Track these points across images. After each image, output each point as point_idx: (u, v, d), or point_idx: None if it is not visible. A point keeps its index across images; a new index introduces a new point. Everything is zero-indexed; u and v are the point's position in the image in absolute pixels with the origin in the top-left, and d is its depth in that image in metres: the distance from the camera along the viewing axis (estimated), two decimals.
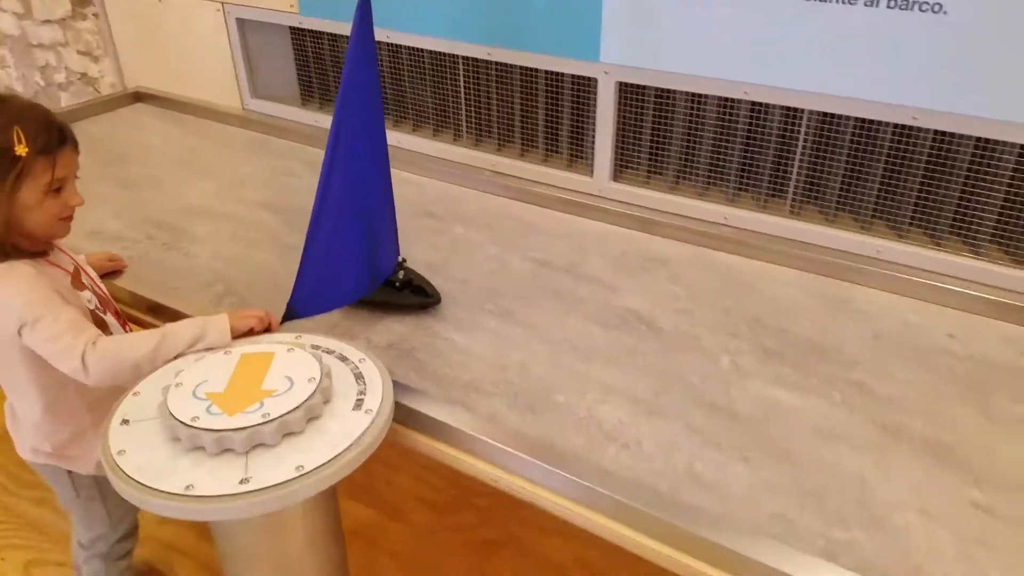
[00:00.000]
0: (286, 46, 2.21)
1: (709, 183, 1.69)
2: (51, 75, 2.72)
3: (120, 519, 1.50)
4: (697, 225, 1.63)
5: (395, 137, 1.99)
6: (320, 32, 2.09)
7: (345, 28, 1.97)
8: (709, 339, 1.34)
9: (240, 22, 2.19)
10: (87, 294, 1.28)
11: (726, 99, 1.58)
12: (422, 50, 1.91)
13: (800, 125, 1.53)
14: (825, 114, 1.49)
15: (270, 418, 1.00)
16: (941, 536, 0.98)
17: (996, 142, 1.36)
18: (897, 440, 1.13)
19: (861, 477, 1.07)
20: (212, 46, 2.26)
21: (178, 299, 1.43)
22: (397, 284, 1.41)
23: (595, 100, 1.69)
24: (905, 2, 1.31)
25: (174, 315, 1.37)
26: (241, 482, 0.95)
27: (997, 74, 1.29)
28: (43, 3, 2.59)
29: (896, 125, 1.44)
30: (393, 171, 1.36)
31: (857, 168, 1.52)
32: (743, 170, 1.64)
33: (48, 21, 2.62)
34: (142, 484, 0.96)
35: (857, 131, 1.48)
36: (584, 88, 1.73)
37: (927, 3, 1.30)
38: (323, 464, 0.98)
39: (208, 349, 1.18)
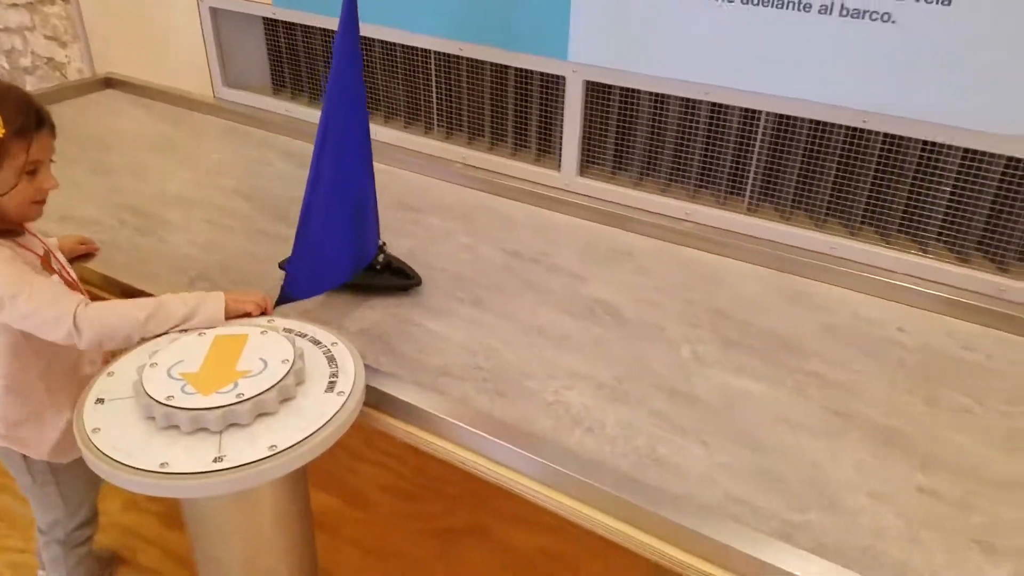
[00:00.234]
0: (259, 36, 2.17)
1: (671, 180, 1.70)
2: (16, 59, 2.63)
3: (77, 506, 1.46)
4: (661, 220, 1.64)
5: None
6: (293, 23, 2.05)
7: (317, 20, 1.96)
8: (672, 329, 1.35)
9: (213, 11, 2.14)
10: (55, 278, 1.25)
11: (688, 100, 1.59)
12: (395, 44, 1.89)
13: (758, 126, 1.54)
14: (781, 116, 1.51)
15: (244, 398, 1.00)
16: (889, 518, 1.00)
17: (941, 146, 1.39)
18: (849, 426, 1.15)
19: (815, 461, 1.08)
20: (185, 34, 2.21)
21: (151, 283, 1.40)
22: (378, 267, 1.41)
23: (563, 97, 1.69)
24: (857, 11, 1.34)
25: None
26: (215, 460, 0.95)
27: (942, 81, 1.32)
28: None
29: (848, 127, 1.46)
30: None
31: (811, 168, 1.54)
32: (704, 168, 1.65)
33: (15, 5, 2.54)
34: (117, 461, 0.95)
35: (811, 132, 1.50)
36: (553, 85, 1.73)
37: (877, 13, 1.33)
38: (295, 444, 0.98)
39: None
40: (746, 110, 1.54)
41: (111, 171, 1.89)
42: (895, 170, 1.46)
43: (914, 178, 1.45)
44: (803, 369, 1.26)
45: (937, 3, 1.28)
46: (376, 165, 1.36)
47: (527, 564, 1.82)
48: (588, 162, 1.76)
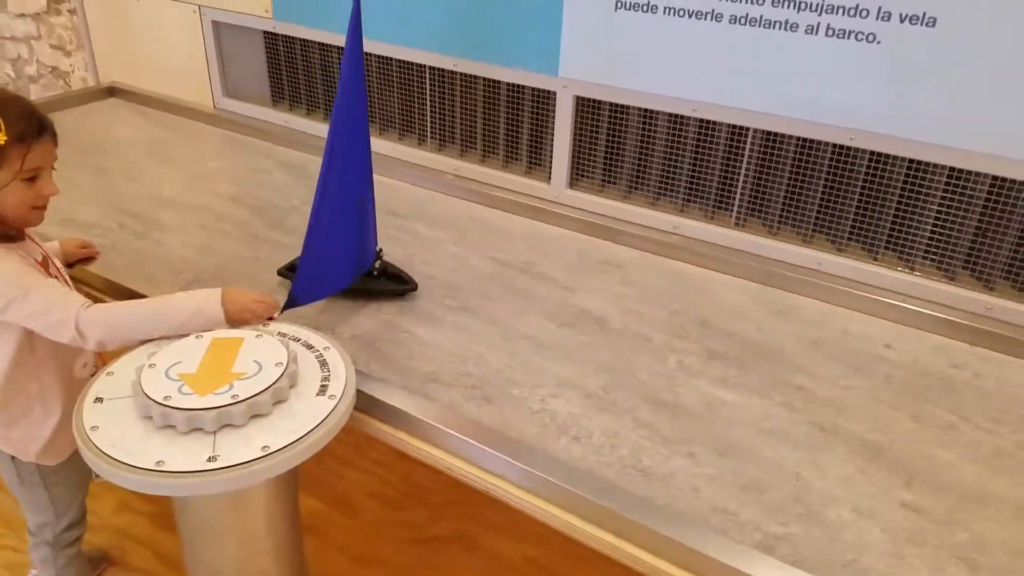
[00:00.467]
0: (259, 49, 2.15)
1: (660, 194, 1.68)
2: (22, 67, 2.62)
3: (65, 508, 1.44)
4: (649, 233, 1.62)
5: None
6: (292, 37, 2.04)
7: (316, 34, 1.95)
8: (658, 339, 1.32)
9: (215, 24, 2.13)
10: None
11: (677, 115, 1.57)
12: (391, 58, 1.87)
13: (745, 142, 1.52)
14: (769, 133, 1.49)
15: (239, 399, 0.99)
16: (873, 533, 0.96)
17: (928, 164, 1.37)
18: (834, 441, 1.11)
19: (799, 475, 1.05)
20: (187, 46, 2.19)
21: (148, 285, 1.38)
22: (375, 273, 1.41)
23: (554, 112, 1.67)
24: (843, 31, 1.32)
25: None
26: (209, 459, 0.94)
27: (928, 100, 1.30)
28: None
29: (835, 145, 1.44)
30: None
31: (799, 184, 1.52)
32: (692, 182, 1.63)
33: (22, 15, 2.52)
34: (114, 459, 0.94)
35: (799, 149, 1.48)
36: (544, 100, 1.71)
37: (863, 33, 1.31)
38: (288, 445, 0.98)
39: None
40: (734, 126, 1.52)
41: (112, 177, 1.87)
42: (882, 187, 1.44)
43: (901, 195, 1.42)
44: (789, 383, 1.23)
45: (922, 24, 1.26)
46: (374, 175, 1.35)
47: (513, 573, 1.78)
48: (578, 175, 1.74)
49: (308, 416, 1.02)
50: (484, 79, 1.76)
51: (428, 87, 1.86)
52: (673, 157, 1.62)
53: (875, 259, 1.47)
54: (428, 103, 1.88)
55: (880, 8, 1.29)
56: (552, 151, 1.71)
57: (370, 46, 1.83)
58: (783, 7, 1.36)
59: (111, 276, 1.42)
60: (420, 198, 1.81)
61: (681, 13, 1.45)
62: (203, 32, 2.15)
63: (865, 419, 1.16)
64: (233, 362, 1.06)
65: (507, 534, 1.85)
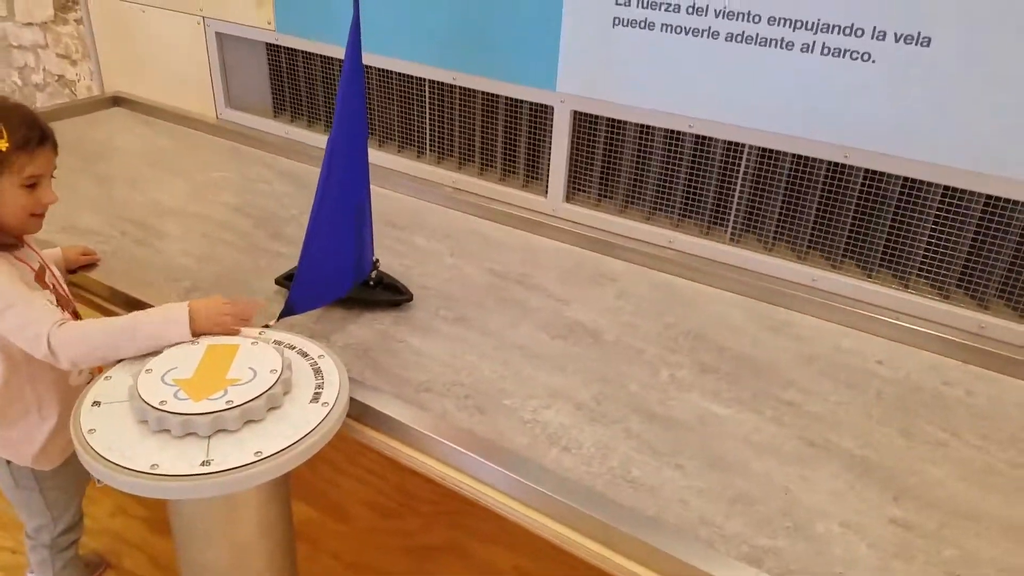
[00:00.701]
0: (261, 61, 2.18)
1: (656, 208, 1.68)
2: (29, 76, 2.64)
3: (62, 511, 1.45)
4: (644, 247, 1.62)
5: None
6: (295, 49, 2.06)
7: (317, 47, 1.98)
8: (651, 352, 1.32)
9: (219, 36, 2.15)
10: (47, 293, 1.24)
11: (673, 131, 1.58)
12: (391, 72, 1.89)
13: (741, 158, 1.53)
14: (764, 149, 1.50)
15: (233, 405, 1.00)
16: (861, 548, 0.96)
17: (922, 182, 1.37)
18: (823, 455, 1.11)
19: (787, 488, 1.05)
20: (191, 57, 2.22)
21: (147, 291, 1.40)
22: (372, 283, 1.41)
23: (551, 126, 1.68)
24: (838, 50, 1.34)
25: (144, 308, 1.31)
26: (203, 464, 0.95)
27: (921, 119, 1.31)
28: (26, 6, 2.52)
29: (830, 162, 1.45)
30: None
31: (794, 201, 1.52)
32: (687, 198, 1.63)
33: (30, 23, 2.55)
34: (110, 462, 0.96)
35: (794, 166, 1.49)
36: (541, 114, 1.73)
37: (857, 52, 1.32)
38: (280, 451, 0.99)
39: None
40: (730, 142, 1.53)
41: (114, 185, 1.88)
42: (877, 205, 1.45)
43: (896, 213, 1.43)
44: (780, 398, 1.23)
45: (917, 43, 1.27)
46: (371, 187, 1.36)
47: None
48: (574, 189, 1.75)
49: (301, 422, 1.03)
50: (483, 93, 1.77)
51: (427, 100, 1.87)
52: (669, 172, 1.63)
53: (870, 276, 1.48)
54: (427, 116, 1.90)
55: (875, 27, 1.30)
56: (549, 165, 1.73)
57: (371, 59, 1.86)
58: (779, 25, 1.37)
59: (111, 283, 1.43)
60: (418, 210, 1.82)
61: (678, 30, 1.47)
62: (207, 43, 2.17)
63: (856, 434, 1.16)
64: (228, 368, 1.07)
65: (499, 544, 1.85)
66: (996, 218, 1.34)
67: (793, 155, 1.47)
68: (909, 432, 1.17)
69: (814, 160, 1.46)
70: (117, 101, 2.42)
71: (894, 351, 1.37)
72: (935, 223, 1.39)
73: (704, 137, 1.55)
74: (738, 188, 1.56)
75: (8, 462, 1.33)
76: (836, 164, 1.44)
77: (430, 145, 1.93)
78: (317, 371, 1.13)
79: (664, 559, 0.90)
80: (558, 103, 1.65)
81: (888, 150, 1.36)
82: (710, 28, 1.44)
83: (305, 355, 1.16)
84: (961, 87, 1.26)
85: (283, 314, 1.28)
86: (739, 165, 1.54)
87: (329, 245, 1.29)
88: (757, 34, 1.40)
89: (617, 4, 1.51)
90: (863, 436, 1.16)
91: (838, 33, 1.33)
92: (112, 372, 1.11)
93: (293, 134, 2.13)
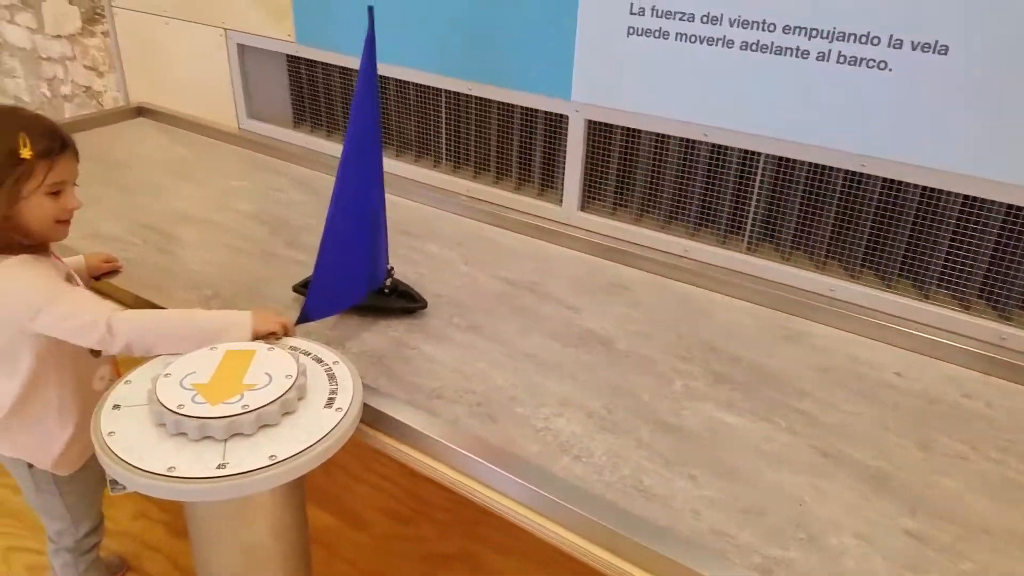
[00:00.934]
0: (282, 71, 2.21)
1: (671, 217, 1.68)
2: (57, 87, 2.70)
3: (82, 516, 1.47)
4: (658, 256, 1.62)
5: None
6: (314, 60, 2.09)
7: (337, 58, 2.00)
8: (663, 361, 1.32)
9: (240, 47, 2.19)
10: None
11: (688, 140, 1.58)
12: (408, 82, 1.92)
13: (757, 167, 1.53)
14: (781, 158, 1.49)
15: (249, 409, 1.02)
16: (874, 560, 0.95)
17: (941, 191, 1.36)
18: (837, 466, 1.10)
19: (801, 499, 1.04)
20: (213, 68, 2.26)
21: (167, 298, 1.42)
22: (386, 290, 1.43)
23: (566, 135, 1.69)
24: (854, 58, 1.33)
25: None
26: (218, 467, 0.97)
27: (939, 127, 1.30)
28: (55, 19, 2.58)
29: (847, 171, 1.44)
30: None
31: (811, 210, 1.52)
32: (703, 207, 1.63)
33: (58, 36, 2.61)
34: (128, 463, 0.98)
35: (811, 175, 1.48)
36: (556, 124, 1.74)
37: (873, 60, 1.32)
38: (294, 455, 1.00)
39: None
40: (746, 151, 1.53)
41: (137, 193, 1.92)
42: (896, 214, 1.44)
43: (915, 222, 1.42)
44: (795, 408, 1.22)
45: (934, 52, 1.27)
46: (387, 196, 1.37)
47: None
48: (589, 198, 1.76)
49: (315, 427, 1.04)
50: (498, 103, 1.79)
51: (443, 110, 1.89)
52: (684, 181, 1.63)
53: (888, 286, 1.46)
54: (443, 126, 1.91)
55: (892, 36, 1.29)
56: (564, 174, 1.73)
57: (388, 70, 1.88)
58: (794, 34, 1.37)
59: (133, 289, 1.46)
60: (433, 218, 1.84)
61: (693, 39, 1.47)
62: (228, 55, 2.21)
63: (871, 446, 1.15)
64: (245, 373, 1.09)
65: (510, 553, 1.85)
66: (1017, 228, 1.32)
67: (810, 164, 1.47)
68: (926, 444, 1.16)
69: (831, 169, 1.45)
70: (141, 112, 2.47)
71: (912, 362, 1.36)
72: (955, 232, 1.38)
73: (720, 146, 1.55)
74: (755, 197, 1.55)
75: (30, 466, 1.36)
76: (853, 173, 1.43)
77: (446, 154, 1.95)
78: (331, 377, 1.14)
79: (675, 569, 0.90)
80: (573, 112, 1.66)
81: (906, 159, 1.35)
82: (725, 37, 1.44)
83: (320, 361, 1.18)
84: (979, 95, 1.25)
85: (299, 321, 1.30)
86: (755, 174, 1.53)
87: (344, 253, 1.30)
88: (772, 43, 1.40)
89: (631, 14, 1.51)
90: (879, 447, 1.15)
91: (854, 41, 1.32)
92: (132, 376, 1.13)
93: (312, 144, 2.16)
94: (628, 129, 1.65)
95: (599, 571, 0.97)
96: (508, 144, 1.84)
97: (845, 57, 1.34)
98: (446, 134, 1.92)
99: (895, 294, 1.44)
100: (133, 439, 1.01)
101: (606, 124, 1.66)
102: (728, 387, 1.26)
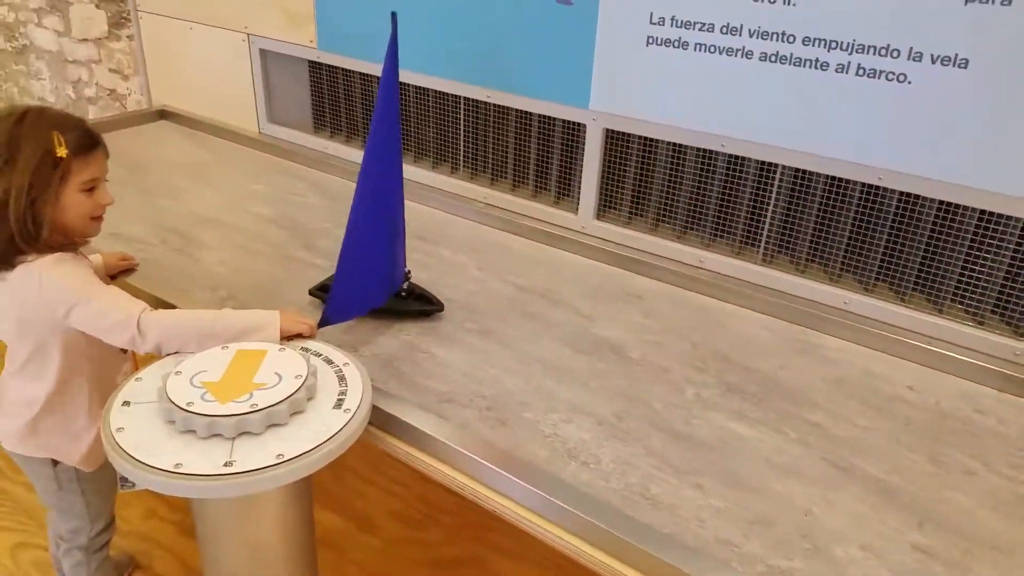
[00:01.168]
0: (303, 77, 2.26)
1: (687, 227, 1.70)
2: (82, 89, 2.77)
3: (98, 513, 1.50)
4: (674, 266, 1.64)
5: None
6: (335, 67, 2.13)
7: (357, 64, 2.04)
8: (676, 370, 1.34)
9: (263, 52, 2.24)
10: None
11: (705, 150, 1.60)
12: (427, 89, 1.95)
13: (774, 179, 1.54)
14: (798, 170, 1.51)
15: (257, 408, 1.04)
16: (880, 572, 0.96)
17: (958, 206, 1.37)
18: (847, 479, 1.11)
19: (808, 511, 1.05)
20: (235, 73, 2.31)
21: (184, 299, 1.45)
22: (403, 294, 1.46)
23: (583, 144, 1.72)
24: (873, 71, 1.34)
25: None
26: (225, 464, 0.99)
27: (957, 142, 1.31)
28: (82, 23, 2.65)
29: (864, 184, 1.45)
30: None
31: (827, 222, 1.53)
32: (719, 217, 1.65)
33: (84, 39, 2.68)
34: (137, 460, 0.99)
35: (828, 187, 1.50)
36: (573, 132, 1.76)
37: (892, 73, 1.33)
38: (301, 454, 1.01)
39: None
40: (763, 163, 1.54)
41: (157, 195, 1.97)
42: (912, 228, 1.45)
43: (931, 237, 1.43)
44: (806, 420, 1.24)
45: (954, 65, 1.28)
46: (405, 201, 1.40)
47: None
48: (605, 207, 1.78)
49: (323, 428, 1.06)
50: (516, 110, 1.82)
51: (462, 117, 1.93)
52: (701, 191, 1.65)
53: (903, 300, 1.47)
54: (462, 133, 1.95)
55: (912, 48, 1.30)
56: (581, 182, 1.76)
57: (407, 77, 1.92)
58: (814, 45, 1.39)
59: (151, 289, 1.48)
60: (448, 224, 1.87)
61: (712, 49, 1.49)
62: (251, 60, 2.26)
63: (882, 459, 1.16)
64: (255, 373, 1.11)
65: (517, 559, 1.87)
66: None
67: (827, 176, 1.48)
68: (937, 459, 1.17)
69: (848, 181, 1.47)
70: (163, 115, 2.52)
71: (925, 376, 1.37)
72: (970, 247, 1.39)
73: (737, 156, 1.57)
74: (771, 209, 1.57)
75: (55, 464, 1.39)
76: (870, 186, 1.45)
77: (464, 161, 1.98)
78: (341, 378, 1.16)
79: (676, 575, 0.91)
80: (590, 121, 1.69)
81: (923, 172, 1.36)
82: (744, 48, 1.46)
83: (330, 362, 1.20)
84: (998, 109, 1.26)
85: (320, 325, 1.33)
86: (772, 185, 1.55)
87: (364, 258, 1.33)
88: (791, 54, 1.41)
89: (651, 23, 1.54)
90: (890, 461, 1.15)
91: (873, 54, 1.34)
92: (143, 374, 1.16)
93: (332, 149, 2.20)
94: (645, 138, 1.67)
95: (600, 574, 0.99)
96: (526, 152, 1.86)
97: (864, 69, 1.35)
98: (464, 141, 1.95)
99: (909, 308, 1.45)
100: (142, 435, 1.03)
101: (624, 133, 1.68)
102: (740, 398, 1.28)
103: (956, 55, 1.27)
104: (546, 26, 1.66)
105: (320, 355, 1.21)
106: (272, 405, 1.04)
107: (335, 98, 2.20)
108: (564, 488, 1.04)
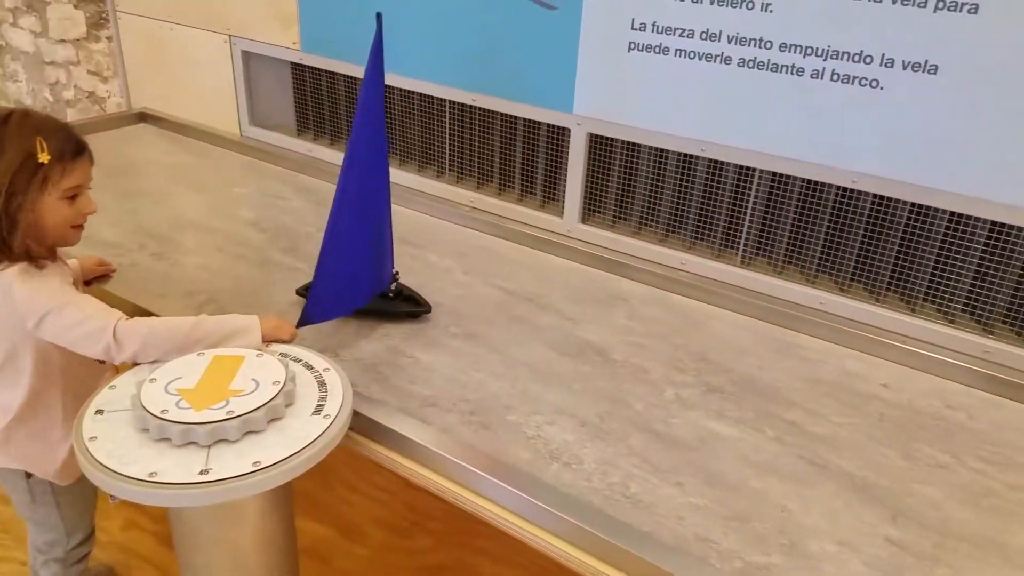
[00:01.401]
0: (286, 79, 2.28)
1: (669, 230, 1.75)
2: (60, 92, 2.77)
3: (75, 526, 1.49)
4: (656, 268, 1.69)
5: None
6: (319, 69, 2.15)
7: (341, 67, 2.06)
8: (657, 372, 1.38)
9: (245, 54, 2.25)
10: None
11: (686, 155, 1.65)
12: (412, 92, 1.98)
13: (752, 182, 1.59)
14: (775, 174, 1.56)
15: (233, 415, 1.04)
16: (855, 566, 1.01)
17: (928, 208, 1.43)
18: (823, 476, 1.16)
19: (785, 507, 1.10)
20: (217, 75, 2.32)
21: (162, 304, 1.46)
22: (391, 294, 1.48)
23: (568, 148, 1.76)
24: (847, 77, 1.39)
25: None
26: (201, 472, 0.99)
27: (927, 146, 1.36)
28: (59, 23, 2.64)
29: (839, 187, 1.50)
30: None
31: (804, 225, 1.58)
32: (700, 220, 1.70)
33: (63, 40, 2.68)
34: (109, 469, 0.99)
35: (804, 190, 1.55)
36: (558, 136, 1.80)
37: (866, 79, 1.38)
38: (278, 462, 1.02)
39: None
40: (741, 167, 1.59)
41: (137, 199, 1.97)
42: (885, 230, 1.50)
43: (903, 239, 1.49)
44: (783, 418, 1.29)
45: (924, 71, 1.33)
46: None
47: None
48: (590, 210, 1.82)
49: (301, 434, 1.06)
50: (501, 114, 1.85)
51: (447, 121, 1.96)
52: (682, 195, 1.70)
53: (877, 300, 1.53)
54: (447, 136, 1.98)
55: (884, 55, 1.36)
56: (566, 186, 1.80)
57: (393, 80, 1.95)
58: (790, 51, 1.44)
59: (126, 295, 1.49)
60: (436, 228, 1.90)
61: (692, 55, 1.54)
62: (233, 62, 2.28)
63: (857, 456, 1.21)
64: (232, 379, 1.11)
65: (504, 564, 1.90)
66: (1001, 244, 1.39)
67: (803, 180, 1.53)
68: (910, 454, 1.22)
69: (823, 185, 1.52)
70: (143, 117, 2.53)
71: (899, 374, 1.42)
72: (941, 248, 1.44)
73: (717, 161, 1.62)
74: (749, 212, 1.62)
75: (28, 476, 1.37)
76: (845, 189, 1.50)
77: (450, 165, 2.02)
78: (321, 384, 1.17)
79: (655, 572, 0.95)
80: (574, 125, 1.73)
81: (895, 176, 1.41)
82: (723, 54, 1.50)
83: (311, 368, 1.20)
84: (966, 114, 1.31)
85: (299, 323, 1.34)
86: (750, 189, 1.60)
87: (347, 256, 1.34)
88: (769, 60, 1.46)
89: (633, 29, 1.58)
90: (864, 457, 1.21)
91: (847, 60, 1.39)
92: (117, 381, 1.15)
93: (315, 152, 2.22)
94: (628, 143, 1.71)
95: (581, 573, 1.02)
96: (511, 156, 1.90)
97: (839, 75, 1.40)
98: (450, 145, 1.99)
99: (884, 308, 1.51)
100: (115, 444, 1.02)
101: (607, 138, 1.72)
102: (719, 397, 1.33)
103: (926, 61, 1.32)
104: (531, 30, 1.70)
105: (300, 360, 1.22)
106: (249, 412, 1.04)
107: (319, 100, 2.23)
108: (545, 489, 1.07)
